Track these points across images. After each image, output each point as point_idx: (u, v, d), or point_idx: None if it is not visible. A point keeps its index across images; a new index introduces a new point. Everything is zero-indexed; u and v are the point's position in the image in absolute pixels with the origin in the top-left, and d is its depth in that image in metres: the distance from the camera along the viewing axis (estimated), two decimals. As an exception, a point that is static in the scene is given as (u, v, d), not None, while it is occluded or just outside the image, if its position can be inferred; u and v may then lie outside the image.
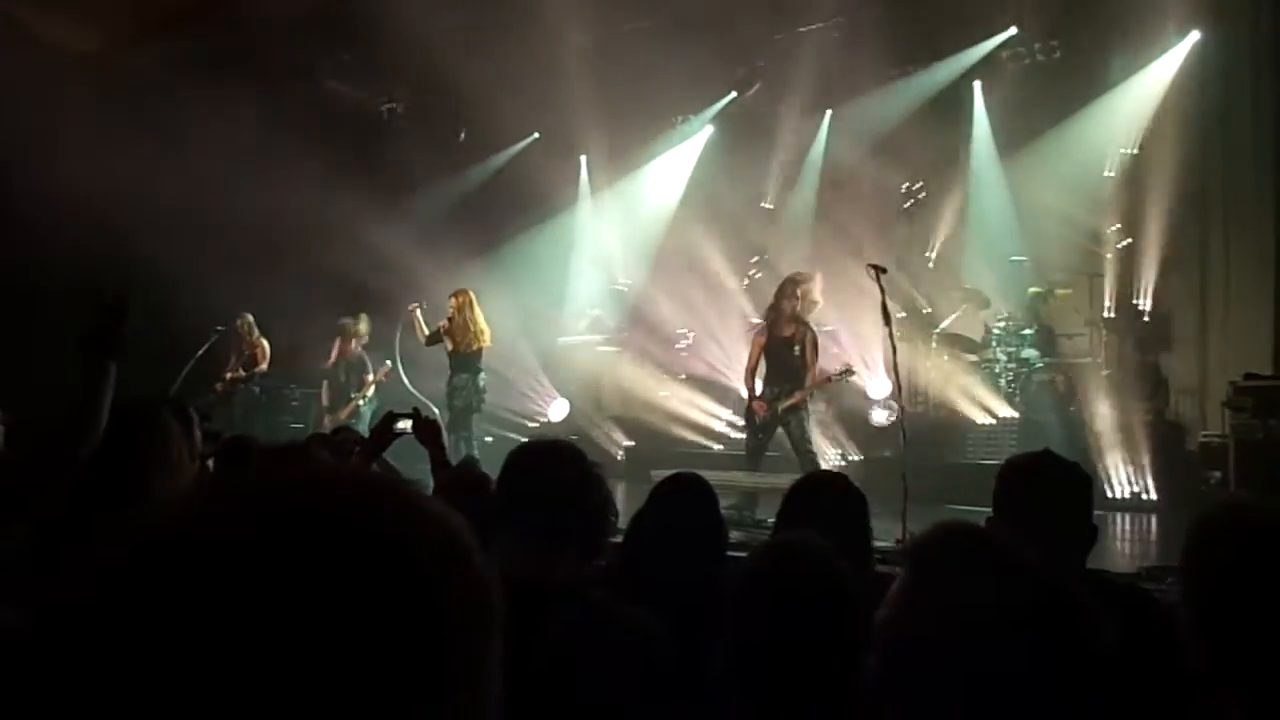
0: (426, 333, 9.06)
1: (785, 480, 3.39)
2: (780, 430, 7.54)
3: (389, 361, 9.64)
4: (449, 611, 0.56)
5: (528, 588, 1.74)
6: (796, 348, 7.45)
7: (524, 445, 2.18)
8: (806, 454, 7.33)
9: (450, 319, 8.85)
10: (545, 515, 1.97)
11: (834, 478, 2.86)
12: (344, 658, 0.52)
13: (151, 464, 2.18)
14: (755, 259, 11.00)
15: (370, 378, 9.74)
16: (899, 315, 9.50)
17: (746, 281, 10.91)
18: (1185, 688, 1.30)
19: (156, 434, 2.28)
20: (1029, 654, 1.02)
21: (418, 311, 9.19)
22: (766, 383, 7.61)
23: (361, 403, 9.68)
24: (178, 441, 2.31)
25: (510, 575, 1.73)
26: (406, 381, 9.57)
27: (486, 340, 8.90)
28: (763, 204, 11.35)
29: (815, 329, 7.63)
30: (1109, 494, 7.93)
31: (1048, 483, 2.31)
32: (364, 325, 9.95)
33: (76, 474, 1.96)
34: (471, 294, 8.92)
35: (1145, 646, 1.40)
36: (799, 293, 7.41)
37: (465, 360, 8.79)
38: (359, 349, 9.92)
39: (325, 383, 9.98)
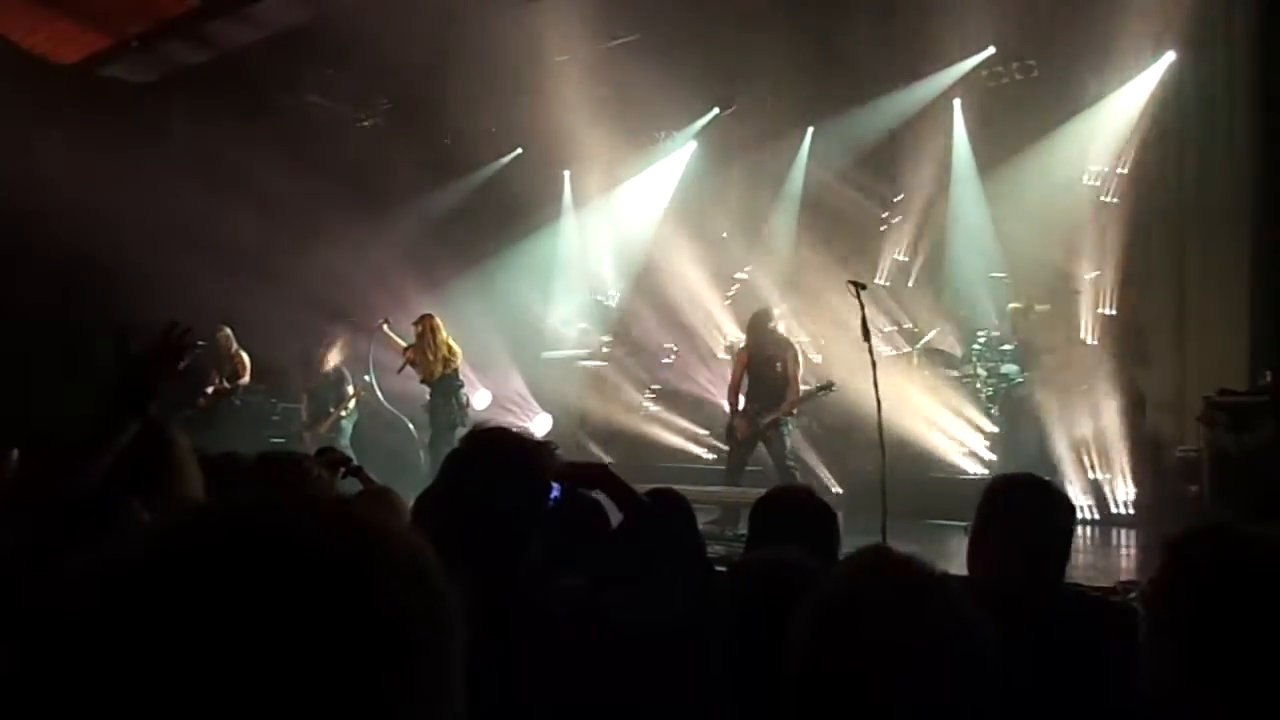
0: (403, 344, 9.02)
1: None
2: (761, 446, 7.60)
3: (368, 377, 9.61)
4: (410, 629, 0.59)
5: (487, 605, 1.72)
6: (779, 364, 7.55)
7: (459, 444, 1.98)
8: (787, 469, 7.40)
9: (413, 346, 8.79)
10: (484, 517, 1.79)
11: (799, 491, 2.84)
12: (313, 679, 0.55)
13: (157, 486, 2.14)
14: (737, 275, 11.05)
15: (350, 390, 9.71)
16: (886, 329, 9.61)
17: (729, 298, 10.95)
18: (1148, 699, 1.33)
19: (165, 457, 2.24)
20: (933, 678, 1.05)
21: (385, 327, 9.16)
22: (749, 399, 7.68)
23: (343, 415, 9.64)
24: (181, 462, 2.27)
25: (470, 594, 1.72)
26: (381, 397, 9.54)
27: (456, 362, 8.82)
28: (745, 219, 11.40)
29: (798, 347, 7.78)
30: (1088, 508, 7.98)
31: (1028, 506, 2.37)
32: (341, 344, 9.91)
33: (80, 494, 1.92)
34: (434, 320, 8.80)
35: (1114, 658, 1.43)
36: (772, 326, 7.63)
37: (438, 384, 8.74)
38: (339, 363, 9.91)
39: (305, 397, 9.94)
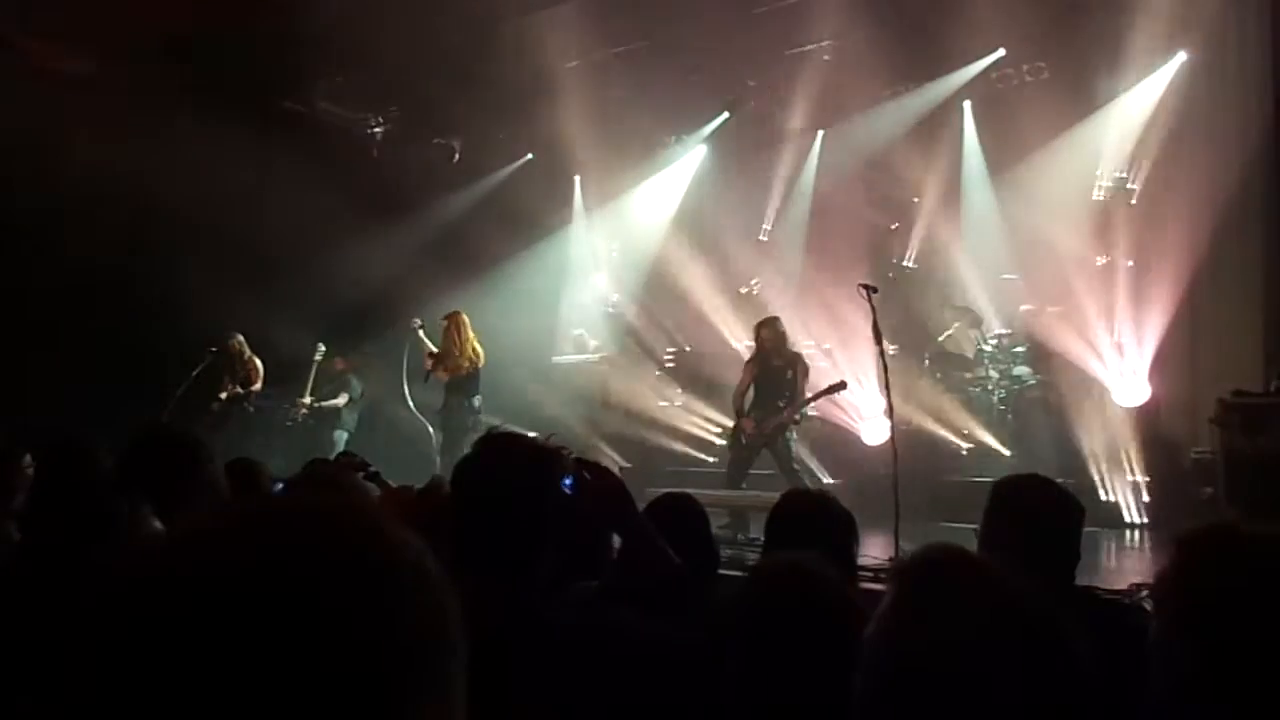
0: (431, 349, 9.06)
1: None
2: (767, 450, 7.61)
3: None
4: (412, 632, 0.61)
5: (486, 616, 1.70)
6: (789, 372, 7.57)
7: (470, 450, 1.96)
8: (793, 474, 7.42)
9: (441, 344, 8.87)
10: (495, 525, 1.78)
11: (815, 496, 2.85)
12: (318, 681, 0.56)
13: (175, 495, 2.16)
14: (748, 280, 11.05)
15: (344, 399, 9.89)
16: (897, 333, 9.58)
17: (739, 302, 10.94)
18: (1158, 698, 1.33)
19: (182, 465, 2.26)
20: (1010, 671, 1.05)
21: (419, 330, 9.23)
22: (756, 405, 7.70)
23: (341, 406, 9.85)
24: (201, 473, 2.29)
25: (476, 602, 1.71)
26: (411, 404, 9.56)
27: (480, 362, 8.88)
28: (755, 223, 11.40)
29: (806, 360, 7.80)
30: (1101, 510, 7.94)
31: (1036, 506, 2.37)
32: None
33: (94, 497, 1.94)
34: (462, 316, 8.91)
35: (1124, 662, 1.43)
36: (778, 333, 7.63)
37: (457, 383, 8.78)
38: (347, 370, 10.01)
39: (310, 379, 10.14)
